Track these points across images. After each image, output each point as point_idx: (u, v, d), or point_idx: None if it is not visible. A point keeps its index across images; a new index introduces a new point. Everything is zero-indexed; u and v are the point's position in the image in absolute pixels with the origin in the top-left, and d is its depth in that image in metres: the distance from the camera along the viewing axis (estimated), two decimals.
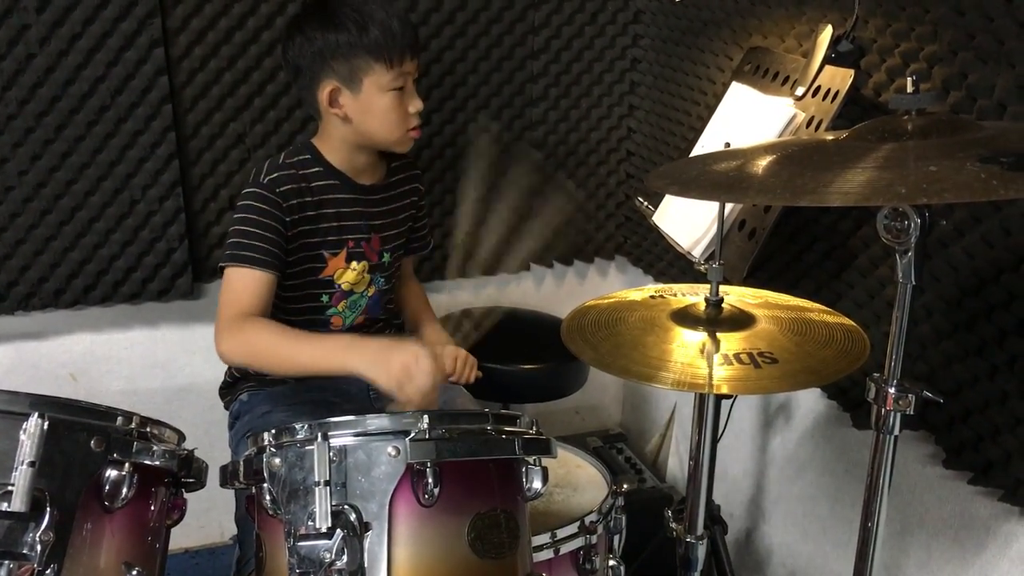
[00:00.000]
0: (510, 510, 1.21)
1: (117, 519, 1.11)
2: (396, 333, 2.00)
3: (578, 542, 1.56)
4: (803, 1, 1.84)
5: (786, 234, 1.88)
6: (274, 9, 2.17)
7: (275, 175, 1.72)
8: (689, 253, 1.82)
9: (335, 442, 1.12)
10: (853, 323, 1.50)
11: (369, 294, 1.88)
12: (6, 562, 0.99)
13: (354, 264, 1.83)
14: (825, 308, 1.57)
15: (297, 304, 1.80)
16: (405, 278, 2.07)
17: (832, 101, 1.61)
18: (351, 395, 1.88)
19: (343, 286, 1.83)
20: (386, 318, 1.95)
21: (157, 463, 1.14)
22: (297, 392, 1.84)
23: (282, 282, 1.74)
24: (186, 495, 1.27)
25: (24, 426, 1.02)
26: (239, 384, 1.89)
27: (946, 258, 1.53)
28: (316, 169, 1.78)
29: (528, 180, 2.49)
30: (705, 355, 1.41)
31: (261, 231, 1.68)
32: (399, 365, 1.48)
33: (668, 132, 2.42)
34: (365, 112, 1.72)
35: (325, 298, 1.82)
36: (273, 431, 1.18)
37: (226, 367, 1.91)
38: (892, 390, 1.27)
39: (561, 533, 1.54)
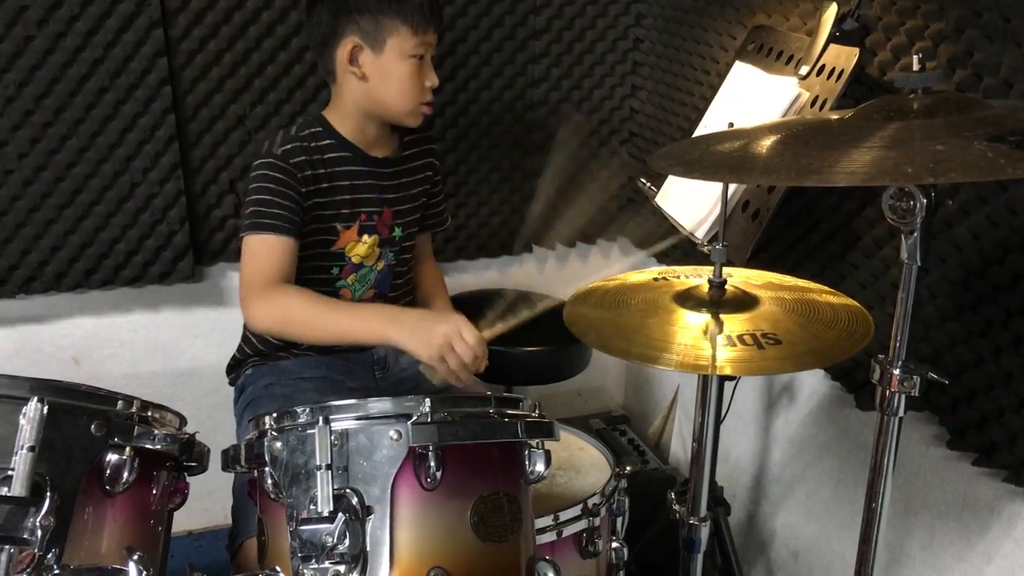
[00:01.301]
0: (513, 493, 1.20)
1: (118, 503, 1.11)
2: None
3: (581, 524, 1.56)
4: None
5: (790, 215, 1.87)
6: None
7: (288, 146, 1.71)
8: (692, 235, 1.81)
9: (336, 426, 1.12)
10: (857, 304, 1.49)
11: (378, 268, 1.87)
12: (7, 547, 0.99)
13: (365, 237, 1.82)
14: (829, 289, 1.56)
15: (307, 275, 1.79)
16: (423, 258, 2.06)
17: (837, 80, 1.60)
18: (356, 373, 1.87)
19: (353, 259, 1.82)
20: (395, 296, 1.94)
21: (158, 447, 1.13)
22: (302, 368, 1.84)
23: None
24: (188, 479, 1.27)
25: (24, 410, 1.02)
26: (246, 361, 1.88)
27: (951, 239, 1.52)
28: (328, 141, 1.77)
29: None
30: (708, 336, 1.40)
31: (279, 199, 1.68)
32: (441, 336, 1.51)
33: (671, 112, 2.40)
34: (383, 75, 1.71)
35: (335, 270, 1.81)
36: (274, 415, 1.18)
37: (236, 345, 1.91)
38: (897, 371, 1.26)
39: (564, 515, 1.54)
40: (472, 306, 2.36)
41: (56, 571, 1.03)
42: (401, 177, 1.87)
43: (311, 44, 1.81)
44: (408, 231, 1.91)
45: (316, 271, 1.80)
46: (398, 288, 1.94)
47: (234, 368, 1.93)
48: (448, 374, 1.56)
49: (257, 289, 1.65)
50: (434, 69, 1.77)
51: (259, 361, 1.87)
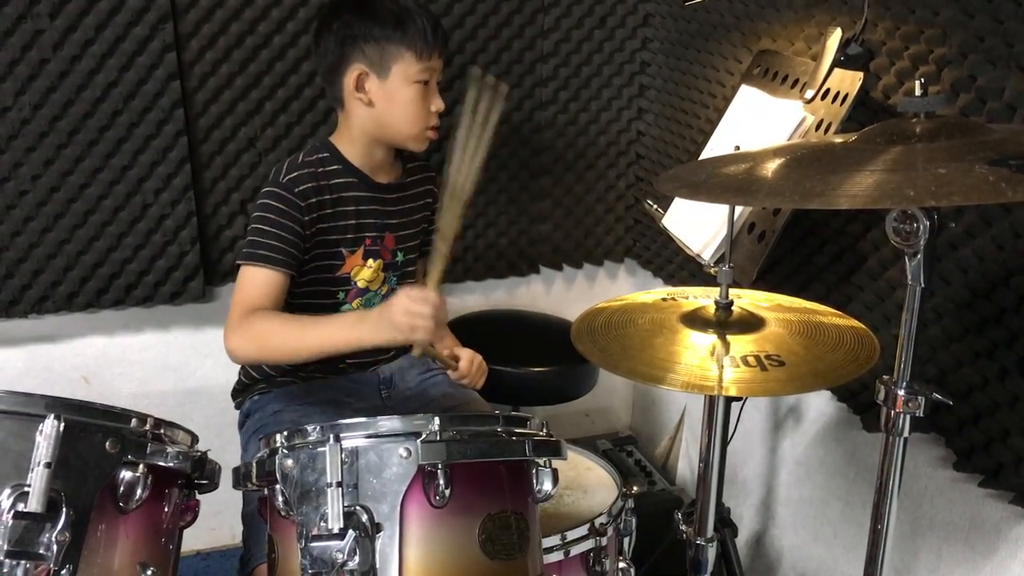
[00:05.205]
0: (521, 511, 1.21)
1: (132, 520, 1.12)
2: None
3: (588, 544, 1.57)
4: (812, 4, 1.85)
5: (796, 237, 1.88)
6: (285, 14, 2.19)
7: (294, 174, 1.74)
8: (699, 256, 1.82)
9: (347, 444, 1.13)
10: (863, 326, 1.50)
11: (383, 293, 1.89)
12: (23, 562, 1.00)
13: (370, 262, 1.84)
14: (835, 311, 1.57)
15: (312, 300, 1.81)
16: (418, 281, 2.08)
17: (841, 104, 1.62)
18: (362, 394, 1.88)
19: (359, 283, 1.84)
20: None
21: (171, 464, 1.15)
22: (308, 392, 1.85)
23: (299, 279, 1.75)
24: (198, 497, 1.28)
25: (40, 428, 1.03)
26: (252, 387, 1.90)
27: (956, 260, 1.53)
28: (335, 167, 1.80)
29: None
30: (715, 357, 1.41)
31: (278, 230, 1.70)
32: (399, 314, 1.54)
33: (677, 135, 2.42)
34: (389, 100, 1.75)
35: (341, 295, 1.83)
36: (285, 433, 1.19)
37: (238, 370, 1.92)
38: (902, 392, 1.27)
39: (571, 535, 1.55)
40: (479, 327, 2.38)
41: None
42: (403, 203, 1.90)
43: (319, 71, 1.86)
44: (409, 256, 1.93)
45: (322, 296, 1.82)
46: None
47: (240, 393, 1.94)
48: (425, 339, 1.57)
49: (235, 319, 1.66)
50: (440, 92, 1.80)
51: (265, 388, 1.88)
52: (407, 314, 1.54)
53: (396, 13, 1.73)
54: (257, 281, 1.69)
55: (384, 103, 1.76)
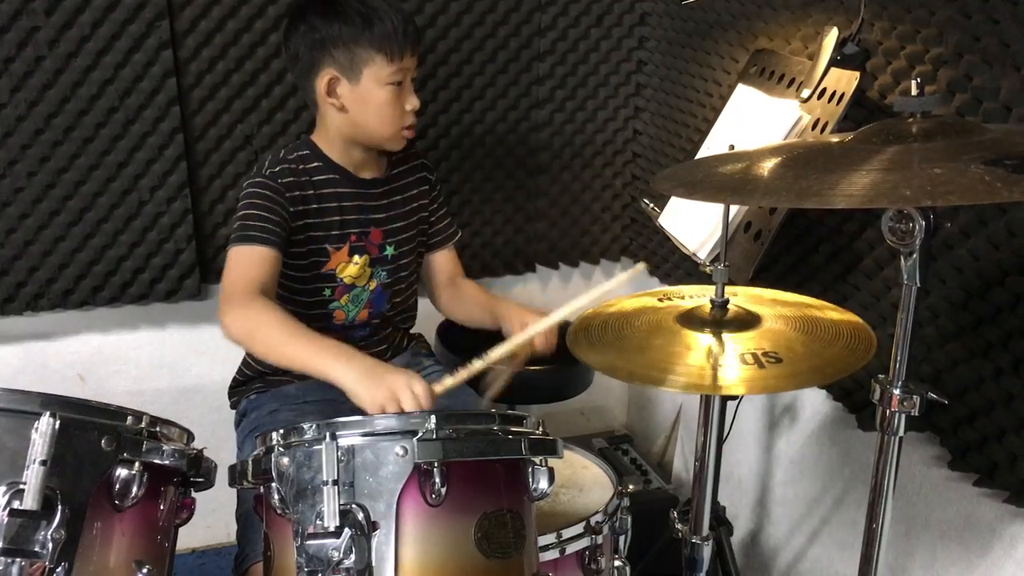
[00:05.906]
0: (517, 510, 1.21)
1: (127, 518, 1.12)
2: (403, 335, 2.00)
3: (584, 542, 1.56)
4: (809, 4, 1.85)
5: (792, 236, 1.88)
6: (281, 12, 2.18)
7: (277, 168, 1.73)
8: (695, 255, 1.83)
9: (343, 442, 1.13)
10: (859, 319, 1.49)
11: (371, 288, 1.87)
12: (18, 560, 1.00)
13: (356, 258, 1.83)
14: (832, 305, 1.56)
15: (301, 297, 1.80)
16: (453, 277, 2.02)
17: (838, 103, 1.62)
18: None
19: (345, 280, 1.82)
20: (392, 315, 1.95)
21: (167, 462, 1.15)
22: (304, 392, 1.85)
23: (286, 273, 1.74)
24: (194, 495, 1.28)
25: (36, 425, 1.03)
26: (249, 384, 1.89)
27: (951, 260, 1.53)
28: (316, 164, 1.78)
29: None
30: (711, 356, 1.41)
31: (265, 213, 1.67)
32: (387, 389, 1.40)
33: (674, 134, 2.42)
34: (362, 104, 1.72)
35: (328, 292, 1.82)
36: (281, 431, 1.19)
37: (236, 366, 1.92)
38: (897, 391, 1.27)
39: (567, 533, 1.55)
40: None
41: None
42: (390, 196, 1.87)
43: (291, 75, 1.83)
44: (402, 249, 1.90)
45: (310, 294, 1.81)
46: (397, 306, 1.94)
47: (236, 390, 1.93)
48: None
49: (236, 297, 1.60)
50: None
51: (262, 387, 1.87)
52: (399, 389, 1.40)
53: (363, 14, 1.67)
54: (251, 258, 1.64)
55: (357, 107, 1.72)
